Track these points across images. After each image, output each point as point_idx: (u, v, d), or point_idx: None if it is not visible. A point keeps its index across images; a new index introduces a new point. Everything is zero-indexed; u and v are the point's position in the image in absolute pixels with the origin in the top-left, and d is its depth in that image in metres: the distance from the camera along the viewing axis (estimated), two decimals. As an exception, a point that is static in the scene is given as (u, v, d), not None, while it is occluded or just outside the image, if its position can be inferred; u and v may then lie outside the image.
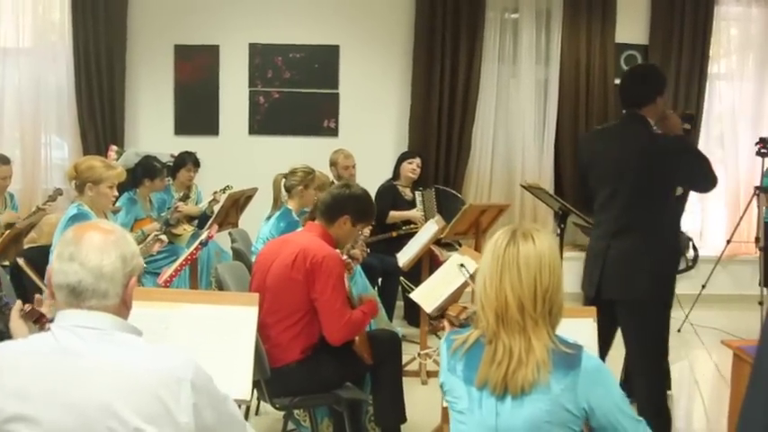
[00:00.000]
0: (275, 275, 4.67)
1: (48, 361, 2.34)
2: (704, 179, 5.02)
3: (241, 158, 9.27)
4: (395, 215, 8.28)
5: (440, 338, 3.97)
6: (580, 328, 3.18)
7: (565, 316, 3.00)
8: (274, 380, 4.50)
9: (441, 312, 4.58)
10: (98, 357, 2.35)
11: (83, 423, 2.28)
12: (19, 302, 2.86)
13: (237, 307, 3.73)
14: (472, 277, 4.38)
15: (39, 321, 2.79)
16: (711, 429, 6.31)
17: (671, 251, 5.09)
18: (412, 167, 8.62)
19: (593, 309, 3.92)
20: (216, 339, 3.60)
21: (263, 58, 9.44)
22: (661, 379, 5.05)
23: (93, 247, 2.44)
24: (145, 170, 7.73)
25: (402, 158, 8.74)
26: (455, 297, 5.02)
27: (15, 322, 2.78)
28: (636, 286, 4.89)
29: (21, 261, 5.50)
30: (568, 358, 2.82)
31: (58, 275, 2.44)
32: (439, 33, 9.46)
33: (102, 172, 5.73)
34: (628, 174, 4.97)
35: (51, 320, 2.75)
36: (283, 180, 6.76)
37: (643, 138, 4.95)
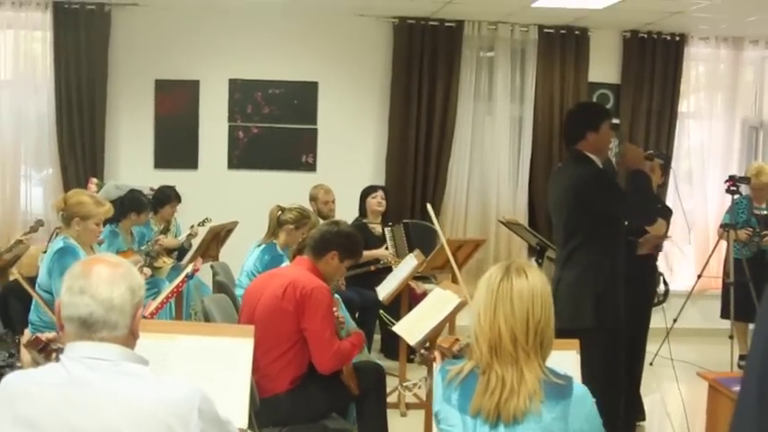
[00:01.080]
0: (265, 307, 4.78)
1: (60, 392, 2.40)
2: (630, 214, 5.33)
3: (220, 192, 9.33)
4: (366, 254, 8.19)
5: (426, 367, 4.08)
6: (563, 360, 3.28)
7: (547, 349, 3.13)
8: (263, 410, 4.57)
9: (425, 345, 4.67)
10: (108, 388, 2.41)
11: None
12: (27, 332, 2.93)
13: (233, 339, 3.82)
14: (428, 348, 4.51)
15: (44, 351, 2.85)
16: (683, 459, 6.44)
17: (611, 281, 5.28)
18: (377, 201, 8.70)
19: (576, 342, 4.04)
20: (212, 370, 3.67)
21: (243, 94, 9.54)
22: (613, 394, 5.22)
23: (103, 279, 2.50)
24: (131, 204, 7.79)
25: (365, 194, 8.81)
26: (438, 330, 5.13)
27: (24, 351, 2.85)
28: (580, 316, 5.12)
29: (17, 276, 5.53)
30: (559, 388, 2.93)
31: (69, 308, 2.50)
32: (416, 71, 9.60)
33: (91, 208, 5.79)
34: (563, 209, 5.31)
35: (58, 350, 2.83)
36: (279, 213, 6.83)
37: (573, 175, 5.29)
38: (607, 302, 5.21)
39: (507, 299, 2.98)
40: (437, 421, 3.14)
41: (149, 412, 2.39)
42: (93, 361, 2.44)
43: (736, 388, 4.11)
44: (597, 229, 5.20)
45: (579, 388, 2.99)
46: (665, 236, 5.86)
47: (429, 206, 6.31)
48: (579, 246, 5.25)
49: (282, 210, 6.83)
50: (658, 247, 5.79)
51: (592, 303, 5.16)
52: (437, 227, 6.02)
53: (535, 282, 3.02)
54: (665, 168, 6.74)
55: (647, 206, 5.38)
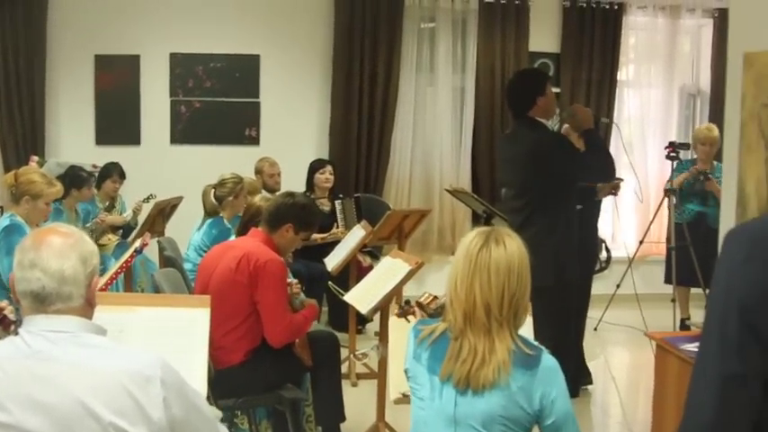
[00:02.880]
0: (219, 279, 4.78)
1: (21, 365, 2.37)
2: (589, 172, 5.43)
3: (163, 168, 9.25)
4: (315, 237, 8.14)
5: (408, 322, 4.13)
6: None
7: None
8: (218, 381, 4.59)
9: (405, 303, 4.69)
10: (69, 360, 2.38)
11: (62, 426, 2.32)
12: None
13: (190, 309, 3.82)
14: (407, 302, 4.56)
15: (2, 323, 2.85)
16: (629, 422, 6.55)
17: (568, 237, 5.46)
18: (325, 177, 8.70)
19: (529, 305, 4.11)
20: (170, 341, 3.67)
21: (184, 68, 9.46)
22: (568, 344, 5.44)
23: (53, 251, 2.47)
24: (72, 180, 7.71)
25: (313, 169, 8.81)
26: (389, 298, 5.17)
27: None
28: (540, 274, 5.22)
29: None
30: (528, 359, 2.98)
31: (21, 283, 2.47)
32: (358, 42, 9.59)
33: (42, 188, 5.74)
34: (520, 173, 5.39)
35: (17, 323, 2.82)
36: (213, 191, 6.82)
37: (529, 140, 5.40)
38: (564, 260, 5.37)
39: (485, 269, 3.01)
40: (407, 378, 3.19)
41: (112, 382, 2.37)
42: (52, 333, 2.42)
43: (684, 346, 4.23)
44: (552, 191, 5.32)
45: (548, 360, 3.03)
46: (618, 179, 5.99)
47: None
48: (536, 208, 5.36)
49: (214, 187, 6.81)
50: (615, 190, 5.90)
51: (551, 262, 5.27)
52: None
53: (513, 252, 3.05)
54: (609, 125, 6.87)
55: (605, 163, 5.47)
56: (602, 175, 5.64)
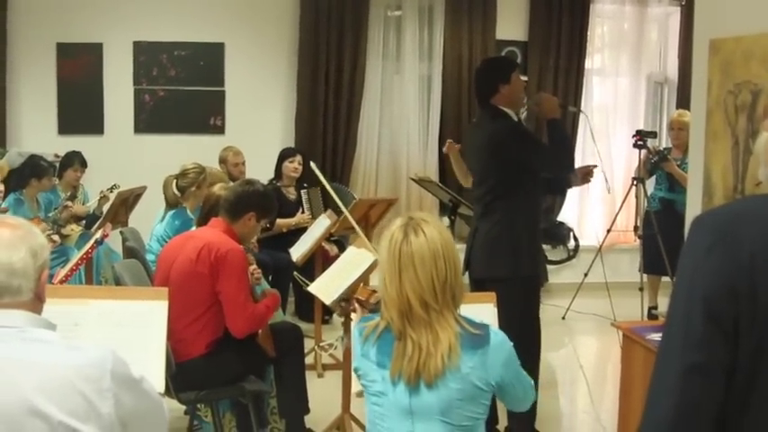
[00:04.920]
0: (179, 270, 4.72)
1: None
2: (546, 164, 5.39)
3: (127, 157, 9.14)
4: (281, 223, 8.14)
5: (342, 326, 4.10)
6: (480, 313, 3.31)
7: (465, 302, 3.15)
8: (179, 375, 4.54)
9: (345, 298, 4.66)
10: (15, 356, 2.31)
11: (8, 426, 2.24)
12: None
13: (147, 302, 3.77)
14: (346, 300, 4.53)
15: None
16: (596, 410, 6.56)
17: (528, 230, 5.37)
18: (293, 166, 8.63)
19: (493, 294, 4.08)
20: (126, 334, 3.62)
21: (148, 56, 9.36)
22: (534, 342, 5.42)
23: (2, 243, 2.38)
24: (32, 169, 7.62)
25: (282, 157, 8.73)
26: (354, 288, 5.12)
27: None
28: (495, 265, 5.24)
29: None
30: (476, 338, 2.97)
31: None
32: (323, 31, 9.52)
33: None
34: (480, 163, 5.37)
35: None
36: (175, 181, 6.74)
37: (489, 130, 5.35)
38: (522, 253, 5.30)
39: (410, 265, 2.97)
40: (357, 377, 3.15)
41: (60, 379, 2.30)
42: None
43: (650, 336, 4.23)
44: (513, 181, 5.27)
45: (496, 335, 3.03)
46: (592, 165, 5.94)
47: (313, 164, 6.28)
48: (496, 198, 5.31)
49: (176, 177, 6.74)
50: (588, 176, 5.85)
51: (508, 254, 5.26)
52: (326, 185, 6.05)
53: (434, 239, 3.00)
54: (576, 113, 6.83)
55: (565, 156, 5.45)
56: (559, 168, 5.56)
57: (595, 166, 5.87)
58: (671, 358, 1.93)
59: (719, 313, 1.86)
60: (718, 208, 2.14)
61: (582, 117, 9.29)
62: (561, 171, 5.59)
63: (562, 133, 5.43)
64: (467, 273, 5.31)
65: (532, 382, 3.22)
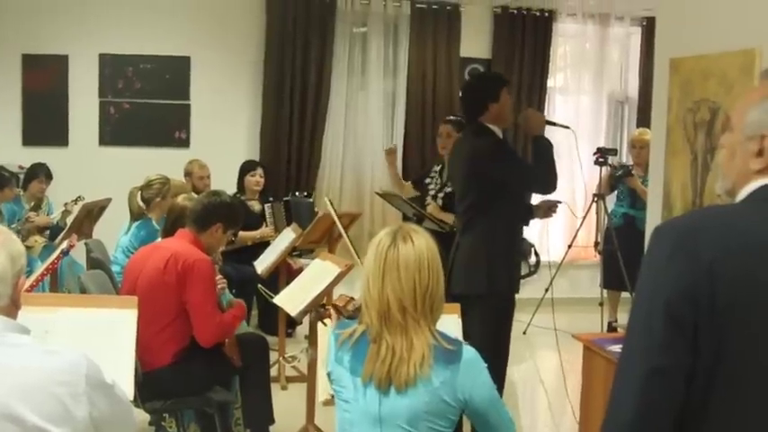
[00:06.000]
0: (147, 280, 4.74)
1: None
2: (527, 183, 5.39)
3: (92, 169, 9.12)
4: (245, 236, 8.17)
5: (306, 339, 4.15)
6: (445, 325, 3.35)
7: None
8: (146, 384, 4.56)
9: (322, 304, 4.68)
10: None
11: None
12: None
13: (117, 310, 3.79)
14: (323, 306, 4.56)
15: None
16: (556, 423, 6.62)
17: (507, 248, 5.35)
18: (255, 179, 8.67)
19: (458, 306, 4.13)
20: (96, 342, 3.63)
21: (114, 69, 9.36)
22: (501, 358, 5.36)
23: None
24: (-7, 181, 7.61)
25: (244, 170, 8.77)
26: (319, 300, 5.17)
27: None
28: (473, 282, 5.22)
29: None
30: (449, 353, 3.00)
31: None
32: (289, 45, 9.56)
33: None
34: (461, 181, 5.37)
35: None
36: (139, 193, 6.75)
37: (472, 147, 5.31)
38: (500, 270, 5.26)
39: (394, 268, 3.02)
40: (330, 381, 3.19)
41: (36, 382, 2.31)
42: None
43: (610, 347, 4.29)
44: (493, 199, 5.23)
45: (469, 353, 3.06)
46: (556, 201, 5.92)
47: (327, 199, 6.34)
48: (476, 215, 5.28)
49: (141, 189, 6.75)
50: (551, 210, 5.85)
51: (485, 271, 5.21)
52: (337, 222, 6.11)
53: (421, 247, 3.06)
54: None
55: (548, 175, 5.32)
56: (542, 188, 5.50)
57: (560, 202, 5.84)
58: (633, 361, 2.00)
59: (680, 318, 1.91)
60: (678, 218, 2.22)
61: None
62: (544, 190, 5.52)
63: (547, 151, 5.32)
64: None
65: (514, 423, 3.18)
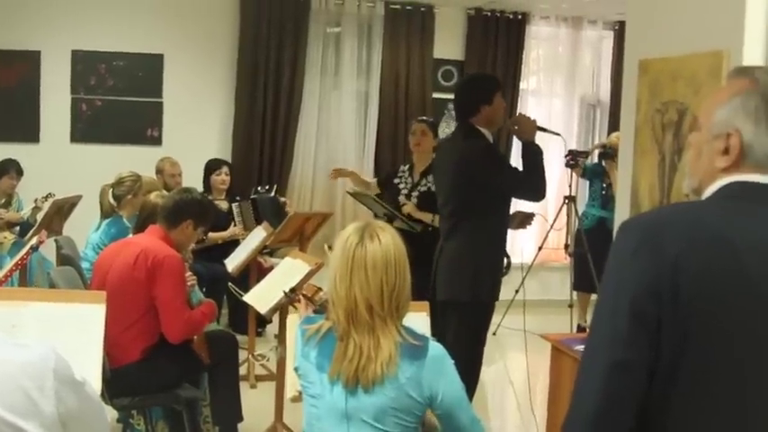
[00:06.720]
0: (116, 275, 4.73)
1: None
2: (515, 188, 5.33)
3: (63, 166, 9.07)
4: (214, 236, 8.17)
5: (296, 309, 4.15)
6: (413, 323, 3.36)
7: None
8: (114, 380, 4.54)
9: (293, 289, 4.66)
10: None
11: None
12: None
13: (85, 305, 3.78)
14: (293, 291, 4.56)
15: None
16: (525, 423, 6.65)
17: (492, 255, 5.32)
18: (221, 178, 8.69)
19: (426, 303, 4.15)
20: (64, 337, 3.62)
21: (86, 65, 9.33)
22: (476, 365, 5.35)
23: None
24: (-38, 177, 7.57)
25: (209, 170, 8.78)
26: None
27: None
28: (456, 289, 5.19)
29: None
30: (415, 349, 3.02)
31: None
32: (263, 44, 9.58)
33: None
34: (447, 182, 5.32)
35: None
36: (111, 190, 6.73)
37: (461, 149, 5.26)
38: (484, 277, 5.21)
39: (362, 267, 3.03)
40: (297, 376, 3.20)
41: (2, 375, 2.29)
42: None
43: (577, 347, 4.31)
44: (480, 203, 5.19)
45: (435, 349, 3.07)
46: (531, 213, 5.87)
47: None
48: (461, 219, 5.24)
49: (112, 186, 6.72)
50: (526, 222, 5.82)
51: (469, 278, 5.17)
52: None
53: (388, 246, 3.07)
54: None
55: (538, 182, 5.26)
56: (531, 194, 5.40)
57: (534, 214, 5.78)
58: (596, 355, 2.02)
59: (643, 313, 1.93)
60: (644, 213, 2.24)
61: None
62: (532, 197, 5.45)
63: (536, 157, 5.26)
64: (431, 294, 5.16)
65: (481, 422, 3.17)
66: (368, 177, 9.80)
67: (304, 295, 4.06)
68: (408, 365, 2.98)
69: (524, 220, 5.75)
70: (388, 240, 3.08)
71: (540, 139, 5.39)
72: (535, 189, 5.28)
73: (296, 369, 3.21)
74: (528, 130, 5.35)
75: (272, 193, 8.93)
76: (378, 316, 3.02)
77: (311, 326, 3.17)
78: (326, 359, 3.06)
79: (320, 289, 4.01)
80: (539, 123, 5.44)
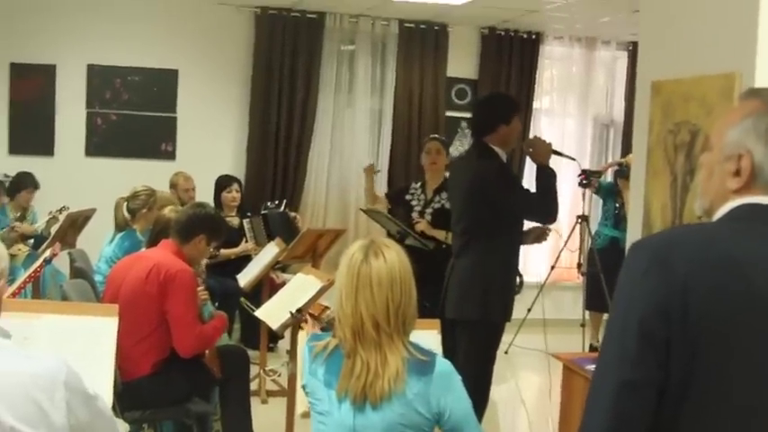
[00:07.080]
0: (128, 289, 4.75)
1: None
2: (527, 209, 5.33)
3: (77, 180, 9.11)
4: (226, 252, 8.19)
5: (302, 329, 4.17)
6: (424, 341, 3.36)
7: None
8: (125, 393, 4.56)
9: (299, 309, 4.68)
10: None
11: None
12: None
13: (97, 318, 3.80)
14: (299, 311, 4.57)
15: None
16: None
17: (503, 275, 5.29)
18: (231, 196, 8.71)
19: (437, 321, 4.15)
20: (76, 350, 3.63)
21: (102, 80, 9.38)
22: (485, 383, 5.30)
23: None
24: (-24, 189, 7.61)
25: (220, 187, 8.80)
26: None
27: None
28: (466, 308, 5.18)
29: None
30: (422, 365, 3.02)
31: None
32: (277, 62, 9.61)
33: None
34: (460, 200, 5.32)
35: None
36: (125, 204, 6.75)
37: (475, 168, 5.26)
38: (494, 297, 5.19)
39: (367, 285, 3.03)
40: (305, 393, 3.21)
41: (14, 385, 2.30)
42: None
43: (589, 367, 4.30)
44: (492, 222, 5.17)
45: (442, 365, 3.07)
46: (547, 228, 5.86)
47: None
48: (473, 238, 5.23)
49: (127, 199, 6.75)
50: (542, 237, 5.82)
51: (479, 297, 5.15)
52: None
53: (393, 263, 3.07)
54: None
55: (549, 203, 5.26)
56: (543, 217, 5.42)
57: (550, 230, 5.79)
58: (606, 375, 2.02)
59: (653, 333, 1.94)
60: (655, 234, 2.25)
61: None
62: (544, 219, 5.46)
63: (550, 180, 5.26)
64: (441, 312, 5.15)
65: None
66: (381, 191, 9.88)
67: (311, 314, 4.07)
68: (416, 381, 2.99)
69: (541, 234, 5.74)
70: (392, 257, 3.08)
71: (553, 160, 5.38)
72: (547, 212, 5.30)
73: (304, 386, 3.21)
74: (543, 153, 5.33)
75: (282, 208, 8.94)
76: (384, 333, 3.02)
77: (318, 343, 3.18)
78: (334, 376, 3.06)
79: (327, 308, 4.03)
80: (554, 147, 5.43)
